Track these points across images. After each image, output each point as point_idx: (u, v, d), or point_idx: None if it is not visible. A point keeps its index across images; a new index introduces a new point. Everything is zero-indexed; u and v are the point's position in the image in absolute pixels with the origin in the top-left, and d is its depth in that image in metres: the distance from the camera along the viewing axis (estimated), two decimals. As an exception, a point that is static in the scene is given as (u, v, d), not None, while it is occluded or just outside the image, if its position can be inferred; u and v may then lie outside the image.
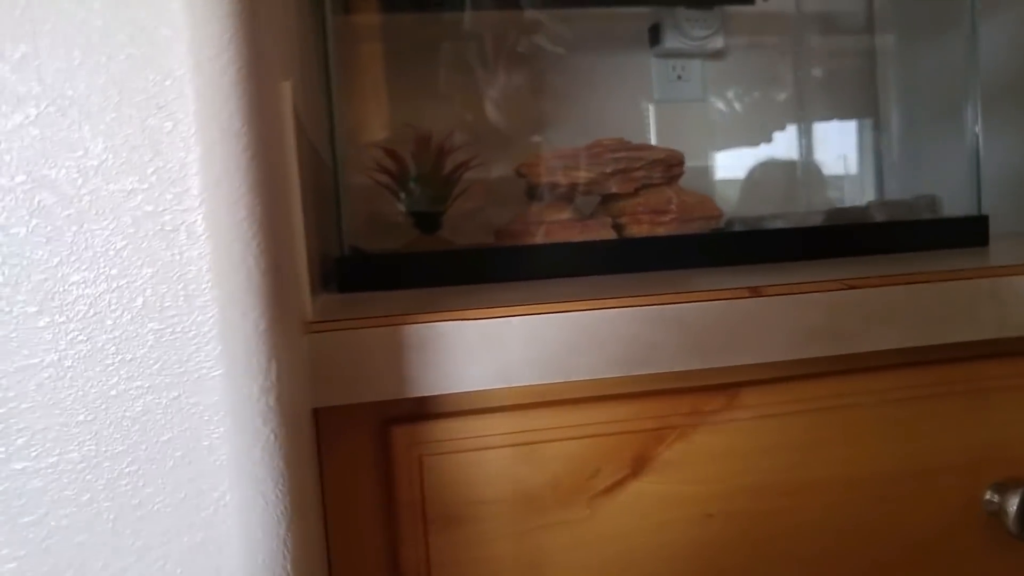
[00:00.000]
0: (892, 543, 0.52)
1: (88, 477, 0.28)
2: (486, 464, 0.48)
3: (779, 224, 0.76)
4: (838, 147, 1.01)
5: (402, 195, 0.84)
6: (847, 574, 0.52)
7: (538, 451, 0.48)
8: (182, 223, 0.28)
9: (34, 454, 0.28)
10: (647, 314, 0.48)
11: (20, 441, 0.28)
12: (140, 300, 0.28)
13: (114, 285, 0.28)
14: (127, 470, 0.29)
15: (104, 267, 0.28)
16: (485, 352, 0.46)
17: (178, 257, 0.28)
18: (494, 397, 0.49)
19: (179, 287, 0.28)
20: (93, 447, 0.28)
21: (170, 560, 0.29)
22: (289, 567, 0.30)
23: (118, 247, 0.28)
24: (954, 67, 0.83)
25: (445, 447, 0.47)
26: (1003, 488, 0.52)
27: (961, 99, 0.77)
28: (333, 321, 0.45)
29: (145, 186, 0.28)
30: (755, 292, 0.49)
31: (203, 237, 0.28)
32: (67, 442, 0.28)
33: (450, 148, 0.83)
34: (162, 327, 0.28)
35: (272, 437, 0.30)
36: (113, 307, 0.28)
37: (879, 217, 0.77)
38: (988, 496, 0.53)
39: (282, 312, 0.31)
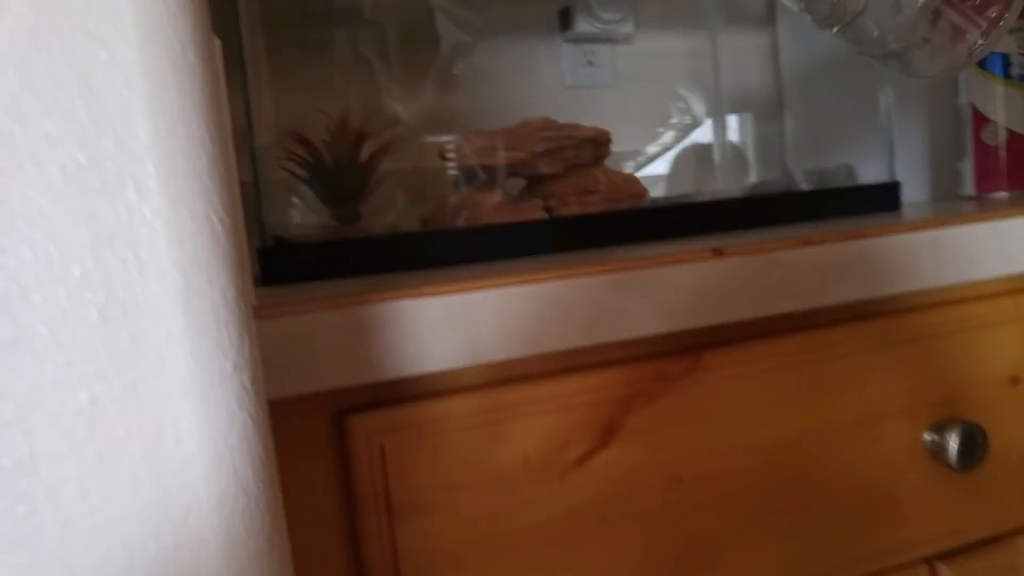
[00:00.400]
0: (848, 489, 0.53)
1: (22, 486, 0.23)
2: (452, 447, 0.45)
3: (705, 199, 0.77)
4: (750, 128, 1.04)
5: (317, 186, 0.79)
6: (811, 524, 0.52)
7: (507, 428, 0.46)
8: (128, 176, 0.24)
9: (-47, 463, 0.23)
10: (614, 280, 0.46)
11: (-66, 449, 0.22)
12: (77, 270, 0.24)
13: (40, 253, 0.23)
14: (72, 473, 0.24)
15: (26, 230, 0.23)
16: (451, 329, 0.43)
17: (125, 217, 0.24)
18: (457, 378, 0.46)
19: (127, 252, 0.24)
20: (26, 450, 0.23)
21: (135, 572, 0.24)
22: (276, 564, 0.26)
23: (43, 207, 0.23)
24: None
25: (408, 433, 0.44)
26: (941, 428, 0.54)
27: (869, 74, 0.80)
28: (281, 306, 0.41)
29: (76, 131, 0.23)
30: (718, 253, 0.48)
31: (155, 192, 0.24)
32: (-5, 446, 0.23)
33: (367, 133, 0.78)
34: (108, 301, 0.24)
35: (249, 422, 0.26)
36: (41, 280, 0.23)
37: (800, 187, 0.78)
38: (928, 436, 0.55)
39: (246, 282, 0.27)
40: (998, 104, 0.80)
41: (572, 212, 0.75)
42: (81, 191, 0.23)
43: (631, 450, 0.48)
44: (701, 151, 1.02)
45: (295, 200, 0.83)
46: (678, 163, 1.00)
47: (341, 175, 0.76)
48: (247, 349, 0.26)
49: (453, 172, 0.76)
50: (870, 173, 0.82)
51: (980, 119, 0.82)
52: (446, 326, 0.43)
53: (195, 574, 0.25)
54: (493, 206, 0.74)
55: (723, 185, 1.01)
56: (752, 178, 1.01)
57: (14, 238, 0.23)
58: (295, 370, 0.41)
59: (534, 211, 0.75)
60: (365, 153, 0.78)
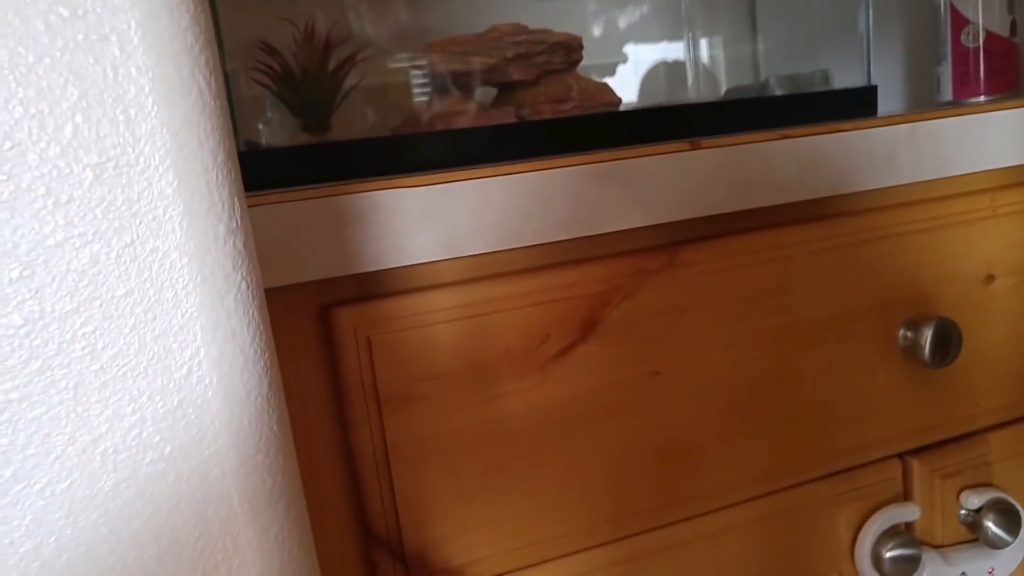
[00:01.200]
0: (822, 386, 0.55)
1: (34, 342, 0.24)
2: (437, 340, 0.46)
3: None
4: (722, 35, 1.03)
5: (286, 96, 0.77)
6: (785, 420, 0.54)
7: (488, 322, 0.47)
8: (111, 31, 0.23)
9: (-40, 320, 0.23)
10: (592, 171, 0.46)
11: (-62, 306, 0.23)
12: (69, 129, 0.24)
13: (32, 110, 0.23)
14: (80, 331, 0.24)
15: (15, 87, 0.23)
16: (430, 221, 0.44)
17: (111, 74, 0.24)
18: (439, 273, 0.47)
19: (117, 111, 0.24)
20: (36, 308, 0.24)
21: (146, 427, 0.25)
22: (275, 426, 0.27)
23: (30, 62, 0.23)
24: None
25: (393, 325, 0.45)
26: (915, 324, 0.56)
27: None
28: (262, 195, 0.41)
29: (60, -15, 0.23)
30: (695, 145, 0.49)
31: (140, 49, 0.24)
32: (3, 304, 0.23)
33: (336, 42, 0.77)
34: (101, 160, 0.24)
35: (244, 285, 0.26)
36: (36, 138, 0.23)
37: (777, 92, 0.79)
38: (902, 333, 0.56)
39: (233, 150, 0.27)
40: (978, 3, 0.79)
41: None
42: (65, 45, 0.23)
43: (610, 344, 0.50)
44: (673, 62, 1.01)
45: (267, 117, 0.82)
46: (650, 75, 1.00)
47: (310, 85, 0.75)
48: (240, 213, 0.26)
49: (423, 83, 0.75)
50: (846, 79, 0.83)
51: (959, 20, 0.81)
52: (425, 218, 0.43)
53: (200, 430, 0.26)
54: (464, 114, 0.74)
55: (695, 95, 1.01)
56: (724, 87, 1.02)
57: (6, 94, 0.23)
58: (278, 261, 0.41)
59: (506, 118, 0.75)
60: (333, 62, 0.77)
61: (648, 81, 1.00)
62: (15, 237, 0.23)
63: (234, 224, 0.26)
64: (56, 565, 0.25)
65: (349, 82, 0.78)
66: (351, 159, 0.65)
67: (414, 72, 0.76)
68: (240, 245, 0.26)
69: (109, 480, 0.25)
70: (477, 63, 0.75)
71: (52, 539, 0.25)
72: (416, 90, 0.78)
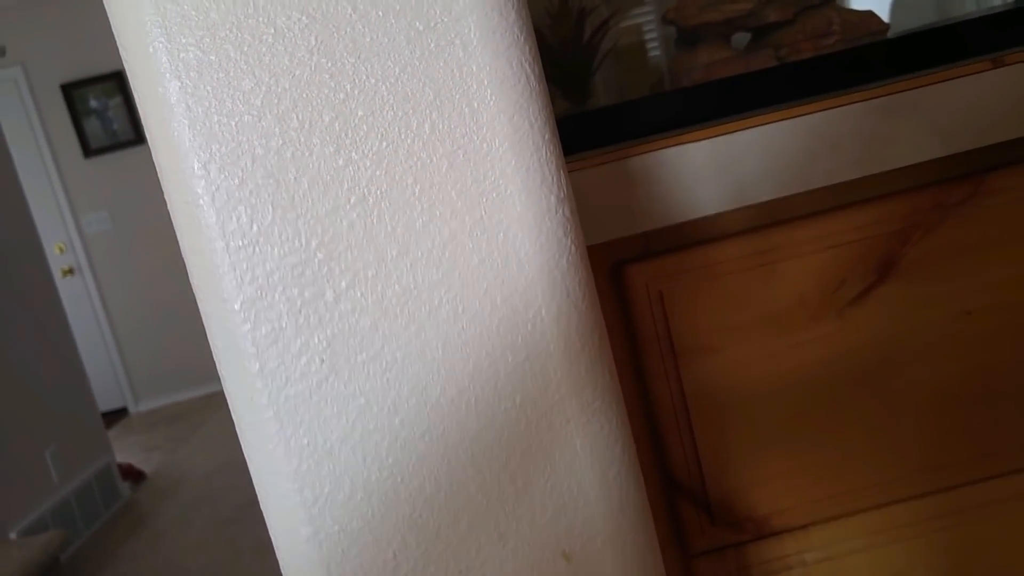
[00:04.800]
0: None
1: (411, 309, 0.28)
2: (728, 290, 0.46)
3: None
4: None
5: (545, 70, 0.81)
6: None
7: (779, 270, 0.46)
8: (456, 35, 0.27)
9: (359, 294, 0.28)
10: (881, 105, 0.44)
11: (343, 283, 0.28)
12: (427, 125, 0.28)
13: (399, 113, 0.27)
14: (445, 297, 0.28)
15: (387, 95, 0.27)
16: (716, 173, 0.44)
17: (457, 73, 0.27)
18: (727, 223, 0.47)
19: (463, 105, 0.27)
20: (411, 280, 0.28)
21: (500, 379, 0.29)
22: (608, 375, 0.30)
23: (396, 73, 0.27)
24: None
25: (684, 279, 0.46)
26: None
27: None
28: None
29: (412, 2, 0.27)
30: (997, 63, 0.44)
31: (479, 48, 0.27)
32: (387, 278, 0.28)
33: (588, 9, 0.79)
34: (453, 149, 0.28)
35: (573, 248, 0.29)
36: (403, 136, 0.28)
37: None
38: None
39: (555, 127, 0.29)
40: None
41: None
42: (422, 54, 0.27)
43: (912, 284, 0.47)
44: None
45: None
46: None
47: (567, 55, 0.78)
48: (566, 184, 0.29)
49: (679, 33, 0.74)
50: None
51: None
52: (711, 170, 0.44)
53: (544, 381, 0.29)
54: (723, 61, 0.72)
55: (976, 6, 0.90)
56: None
57: (380, 102, 0.27)
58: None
59: (767, 62, 0.72)
60: (588, 29, 0.79)
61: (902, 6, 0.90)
62: (392, 221, 0.28)
63: (562, 194, 0.29)
64: (436, 500, 0.30)
65: (605, 47, 0.79)
66: (615, 123, 0.67)
67: (668, 27, 0.76)
68: (568, 212, 0.29)
69: (473, 426, 0.30)
70: (730, 10, 0.73)
71: (433, 478, 0.30)
72: (670, 45, 0.77)
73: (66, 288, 3.52)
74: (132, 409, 4.03)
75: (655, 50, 0.82)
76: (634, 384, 0.48)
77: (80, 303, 3.83)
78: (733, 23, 0.75)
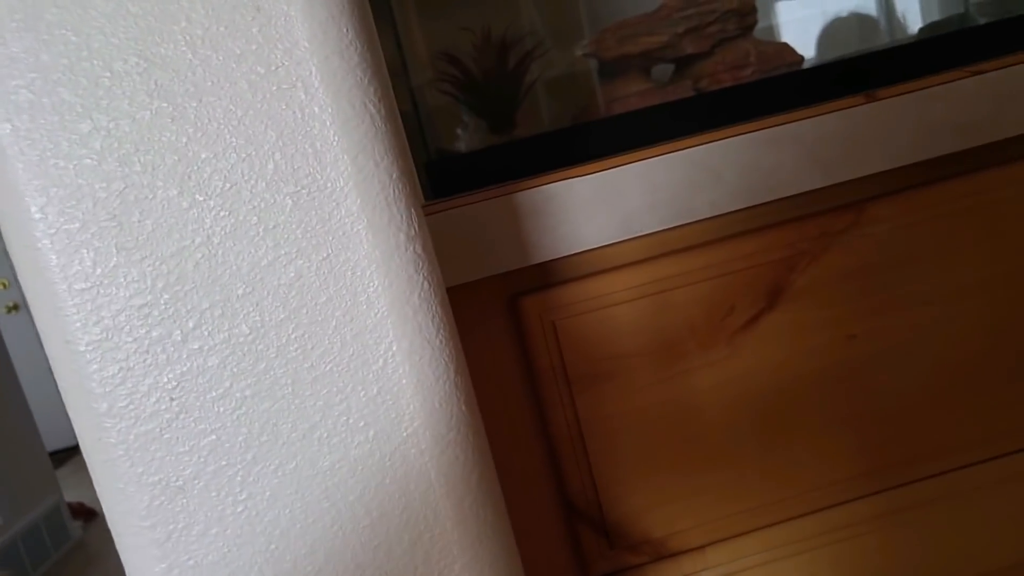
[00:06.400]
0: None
1: (259, 347, 0.29)
2: (620, 320, 0.47)
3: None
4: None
5: (471, 101, 0.82)
6: (998, 373, 0.50)
7: (670, 299, 0.47)
8: (297, 79, 0.28)
9: (206, 332, 0.28)
10: (762, 138, 0.45)
11: (190, 323, 0.28)
12: (271, 166, 0.28)
13: (243, 155, 0.28)
14: (294, 335, 0.29)
15: (230, 138, 0.28)
16: (602, 206, 0.45)
17: (299, 115, 0.28)
18: (617, 255, 0.48)
19: (306, 145, 0.28)
20: (258, 318, 0.29)
21: (352, 414, 0.29)
22: (464, 407, 0.30)
23: (239, 116, 0.28)
24: None
25: (576, 309, 0.47)
26: None
27: None
28: (446, 200, 0.45)
29: (253, 47, 0.27)
30: (870, 97, 0.46)
31: (320, 90, 0.28)
32: (233, 317, 0.28)
33: (511, 42, 0.80)
34: (297, 189, 0.28)
35: (426, 284, 0.30)
36: (247, 177, 0.28)
37: (978, 22, 0.71)
38: None
39: (408, 165, 0.30)
40: None
41: (725, 88, 0.73)
42: (264, 97, 0.28)
43: (800, 310, 0.48)
44: (860, 7, 0.94)
45: (463, 122, 0.87)
46: (837, 25, 0.93)
47: (491, 86, 0.79)
48: (416, 221, 0.29)
49: (600, 66, 0.76)
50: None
51: None
52: (596, 203, 0.45)
53: (398, 414, 0.30)
54: (642, 95, 0.74)
55: (886, 40, 0.93)
56: (919, 23, 0.92)
57: (223, 145, 0.28)
58: (467, 258, 0.45)
59: (684, 93, 0.74)
60: (511, 61, 0.80)
61: (836, 32, 0.93)
62: (238, 260, 0.28)
63: (412, 232, 0.29)
64: (292, 533, 0.30)
65: (528, 79, 0.81)
66: (533, 154, 0.68)
67: (589, 60, 0.77)
68: (419, 249, 0.30)
69: (326, 461, 0.30)
70: (648, 42, 0.75)
71: (287, 511, 0.30)
72: (593, 77, 0.79)
73: (11, 324, 3.46)
74: (89, 443, 3.93)
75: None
76: (533, 414, 0.49)
77: (27, 339, 3.75)
78: (651, 55, 0.77)
